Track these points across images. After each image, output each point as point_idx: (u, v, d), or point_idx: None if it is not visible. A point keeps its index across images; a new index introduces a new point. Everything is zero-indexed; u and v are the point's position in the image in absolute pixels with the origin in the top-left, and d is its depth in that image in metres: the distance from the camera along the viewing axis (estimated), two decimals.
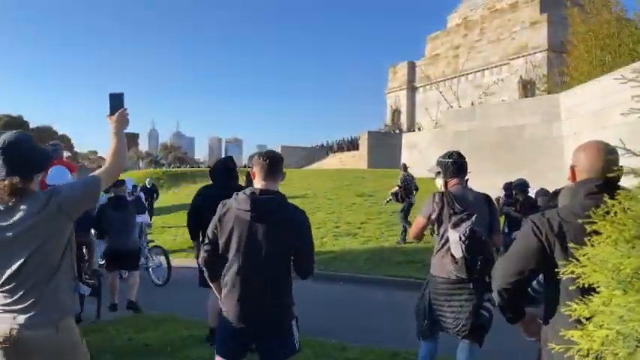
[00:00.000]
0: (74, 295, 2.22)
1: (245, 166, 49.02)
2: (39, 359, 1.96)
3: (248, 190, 2.61)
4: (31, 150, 2.06)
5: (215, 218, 2.66)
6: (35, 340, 1.93)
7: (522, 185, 6.98)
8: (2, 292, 1.97)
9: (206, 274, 2.76)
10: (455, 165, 3.57)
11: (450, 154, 3.67)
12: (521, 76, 31.78)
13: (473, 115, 14.21)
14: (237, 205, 2.58)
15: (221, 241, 2.61)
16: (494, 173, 11.97)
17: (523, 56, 32.33)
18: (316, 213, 15.27)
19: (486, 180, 11.46)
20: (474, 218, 3.29)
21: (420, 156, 18.52)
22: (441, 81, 37.11)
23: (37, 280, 1.96)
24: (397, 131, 37.20)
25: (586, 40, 14.59)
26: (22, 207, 1.95)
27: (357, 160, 35.31)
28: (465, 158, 3.66)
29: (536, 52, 31.41)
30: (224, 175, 4.89)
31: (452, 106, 23.77)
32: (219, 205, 2.68)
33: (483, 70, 36.66)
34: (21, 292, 1.95)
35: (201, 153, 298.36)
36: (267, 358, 2.62)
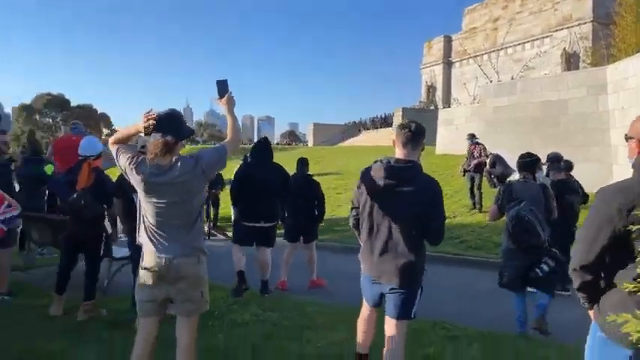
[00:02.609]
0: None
1: (277, 144, 49.47)
2: (184, 282, 2.58)
3: (385, 159, 2.80)
4: (182, 121, 2.67)
5: (356, 186, 2.98)
6: (184, 266, 2.57)
7: (555, 159, 6.84)
8: (160, 230, 2.58)
9: (356, 235, 3.07)
10: (520, 164, 4.69)
11: (521, 156, 4.74)
12: (564, 49, 30.51)
13: (514, 90, 13.81)
14: (372, 172, 2.81)
15: (360, 206, 2.90)
16: (536, 149, 11.60)
17: (567, 28, 30.95)
18: (350, 191, 15.30)
19: None
20: (522, 204, 4.32)
21: (457, 132, 18.15)
22: (479, 55, 36.03)
23: (186, 224, 2.58)
24: (432, 107, 36.56)
25: (633, 11, 13.85)
26: (178, 166, 2.52)
27: (390, 137, 34.94)
28: (531, 157, 4.72)
29: (580, 24, 29.99)
30: (261, 152, 5.84)
31: (491, 81, 23.11)
32: (360, 174, 2.96)
33: (524, 43, 35.31)
34: (174, 232, 2.58)
35: None
36: (387, 310, 2.88)
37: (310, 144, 46.69)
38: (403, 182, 2.72)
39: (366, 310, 3.07)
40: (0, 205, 4.25)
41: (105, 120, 79.24)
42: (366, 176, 2.87)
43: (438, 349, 3.74)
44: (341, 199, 13.86)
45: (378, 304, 3.00)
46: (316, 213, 6.50)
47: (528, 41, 34.93)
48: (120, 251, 6.25)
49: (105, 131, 77.16)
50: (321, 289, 6.27)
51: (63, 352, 3.61)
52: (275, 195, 5.70)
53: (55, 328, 4.21)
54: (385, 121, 41.93)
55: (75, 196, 4.43)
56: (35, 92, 76.34)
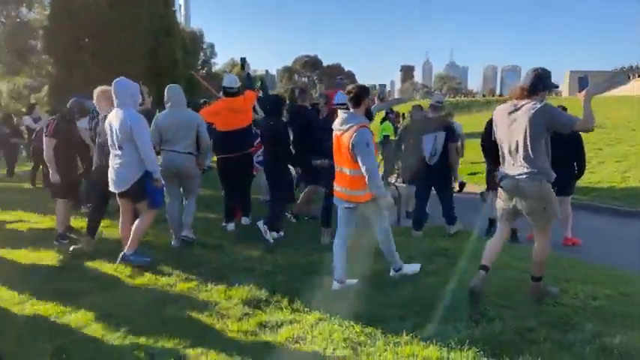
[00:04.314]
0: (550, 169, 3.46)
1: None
2: (528, 199, 3.43)
3: None
4: (545, 77, 3.44)
5: None
6: (527, 187, 3.40)
7: None
8: (513, 157, 3.45)
9: None
10: None
11: None
12: None
13: None
14: None
15: None
16: None
17: None
18: (616, 145, 13.41)
19: None
20: None
21: None
22: None
23: (538, 154, 3.35)
24: None
25: None
26: (527, 106, 3.36)
27: None
28: None
29: None
30: None
31: None
32: None
33: None
34: (523, 159, 3.39)
35: (474, 83, 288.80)
36: None
37: (564, 95, 41.70)
38: None
39: None
40: (257, 151, 6.44)
41: (351, 78, 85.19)
42: None
43: None
44: (602, 156, 12.24)
45: None
46: (575, 167, 6.03)
47: None
48: None
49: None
50: (574, 247, 6.03)
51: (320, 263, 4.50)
52: None
53: (316, 247, 5.18)
54: None
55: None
56: (294, 55, 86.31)
